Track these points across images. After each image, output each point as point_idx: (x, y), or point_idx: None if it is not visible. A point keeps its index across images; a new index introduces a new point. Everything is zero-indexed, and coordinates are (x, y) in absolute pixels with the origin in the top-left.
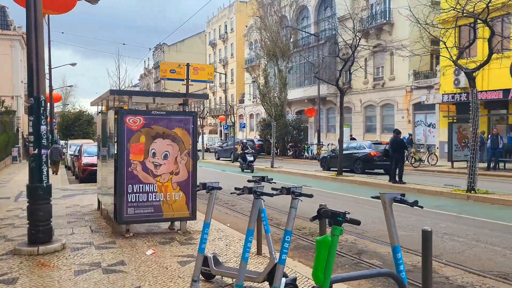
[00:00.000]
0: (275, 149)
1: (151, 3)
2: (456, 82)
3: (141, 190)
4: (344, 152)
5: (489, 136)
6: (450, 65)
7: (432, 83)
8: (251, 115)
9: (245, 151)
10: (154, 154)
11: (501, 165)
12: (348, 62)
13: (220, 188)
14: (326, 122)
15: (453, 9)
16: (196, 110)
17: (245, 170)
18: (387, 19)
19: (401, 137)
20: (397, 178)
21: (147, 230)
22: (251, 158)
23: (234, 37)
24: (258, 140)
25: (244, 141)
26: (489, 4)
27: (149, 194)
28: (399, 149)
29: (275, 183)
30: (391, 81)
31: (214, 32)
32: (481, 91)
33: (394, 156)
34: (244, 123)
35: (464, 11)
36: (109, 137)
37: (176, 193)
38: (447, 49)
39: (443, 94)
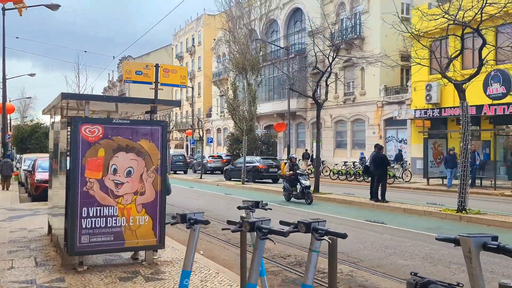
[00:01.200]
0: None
1: (115, 17)
2: (428, 97)
3: (98, 214)
4: (238, 165)
5: None
6: (421, 80)
7: (403, 99)
8: (218, 130)
9: (297, 171)
10: (115, 170)
11: (477, 181)
12: (325, 74)
13: (206, 222)
14: (295, 137)
15: (443, 17)
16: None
17: (294, 200)
18: (358, 34)
19: (383, 152)
20: (379, 196)
21: (105, 262)
22: (307, 183)
23: (202, 50)
24: (226, 155)
25: (294, 156)
26: (478, 12)
27: (108, 218)
28: (382, 165)
29: (270, 209)
30: (362, 96)
31: (181, 45)
32: (452, 107)
33: (376, 173)
34: (212, 138)
35: (455, 20)
36: (61, 151)
37: (141, 217)
38: (437, 60)
39: (415, 110)
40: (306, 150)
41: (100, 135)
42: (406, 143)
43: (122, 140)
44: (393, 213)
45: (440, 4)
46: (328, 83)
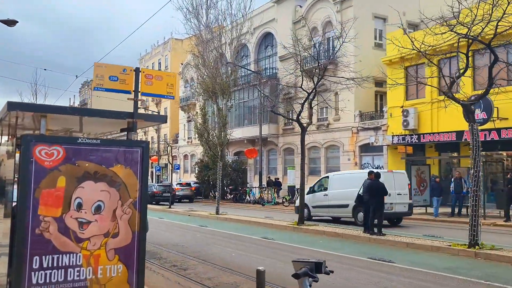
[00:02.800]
0: (213, 192)
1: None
2: (405, 123)
3: (55, 265)
4: None
5: (452, 179)
6: (397, 105)
7: (379, 124)
8: (185, 156)
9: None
10: (79, 205)
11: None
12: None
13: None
14: (267, 164)
15: (461, 35)
16: None
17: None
18: (332, 58)
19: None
20: (375, 229)
21: None
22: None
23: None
24: (195, 183)
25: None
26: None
27: (69, 269)
28: (379, 195)
29: (332, 272)
30: (336, 122)
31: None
32: (431, 133)
33: (372, 203)
34: (178, 165)
35: (467, 35)
36: (6, 180)
37: (113, 267)
38: (444, 78)
39: (392, 136)
40: (269, 177)
41: (61, 159)
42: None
43: (90, 165)
44: (395, 248)
45: (410, 31)
46: (312, 106)
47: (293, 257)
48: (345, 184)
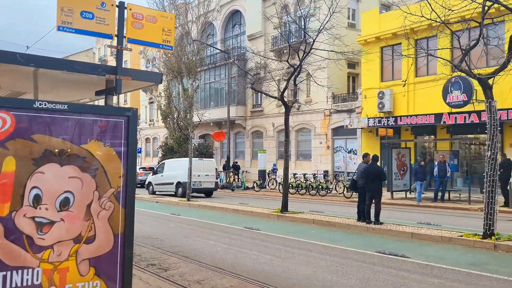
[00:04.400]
0: None
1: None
2: (380, 105)
3: (1, 287)
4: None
5: (436, 163)
6: (372, 87)
7: (353, 107)
8: (147, 139)
9: None
10: (37, 199)
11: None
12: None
13: None
14: (234, 147)
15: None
16: None
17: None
18: (303, 38)
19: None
20: (372, 218)
21: None
22: None
23: (129, 53)
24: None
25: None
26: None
27: None
28: (377, 180)
29: None
30: (307, 104)
31: (105, 48)
32: (408, 116)
33: (370, 189)
34: (140, 148)
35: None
36: None
37: (87, 285)
38: (462, 49)
39: (368, 118)
40: (226, 161)
41: (8, 132)
42: (356, 154)
43: (53, 141)
44: (399, 239)
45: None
46: (297, 83)
47: (289, 251)
48: (173, 168)
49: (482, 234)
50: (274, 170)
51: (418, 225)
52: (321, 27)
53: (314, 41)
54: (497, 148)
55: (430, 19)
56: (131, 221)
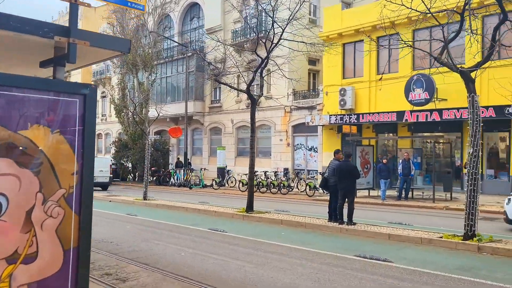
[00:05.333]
0: (133, 174)
1: None
2: (342, 102)
3: None
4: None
5: (401, 161)
6: (334, 84)
7: (314, 104)
8: (99, 135)
9: None
10: None
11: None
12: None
13: None
14: (191, 144)
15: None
16: None
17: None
18: (264, 33)
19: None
20: (345, 218)
21: None
22: None
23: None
24: (112, 164)
25: None
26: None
27: None
28: (350, 177)
29: None
30: (267, 100)
31: None
32: (370, 113)
33: (342, 187)
34: None
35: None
36: None
37: None
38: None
39: (330, 115)
40: (178, 158)
41: None
42: (317, 151)
43: None
44: (377, 241)
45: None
46: (263, 75)
47: (261, 256)
48: None
49: (463, 235)
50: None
51: (390, 225)
52: (291, 16)
53: (283, 31)
54: (479, 144)
55: (411, 8)
56: (87, 231)
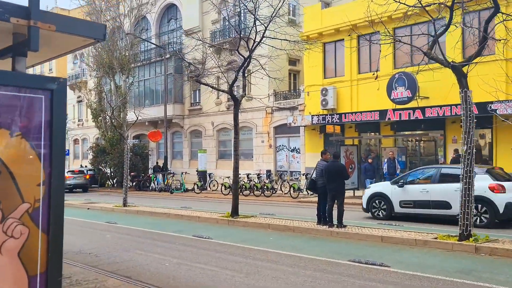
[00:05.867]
0: (111, 180)
1: None
2: (323, 102)
3: None
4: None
5: (386, 160)
6: (315, 84)
7: (296, 104)
8: (75, 141)
9: None
10: None
11: None
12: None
13: None
14: (171, 148)
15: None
16: None
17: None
18: (243, 33)
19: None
20: (334, 220)
21: None
22: None
23: None
24: (89, 170)
25: None
26: None
27: None
28: (339, 178)
29: None
30: (248, 102)
31: None
32: (353, 113)
33: (331, 189)
34: (68, 150)
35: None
36: None
37: None
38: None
39: (312, 116)
40: (157, 162)
41: None
42: (299, 152)
43: None
44: (369, 244)
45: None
46: (246, 75)
47: (251, 264)
48: None
49: (458, 235)
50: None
51: (380, 226)
52: (274, 13)
53: (266, 28)
54: (473, 141)
55: (399, 2)
56: (57, 253)
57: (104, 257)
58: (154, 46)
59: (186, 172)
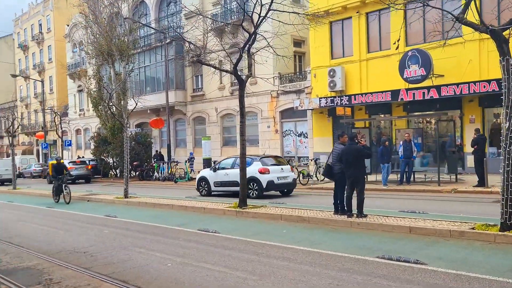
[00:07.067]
0: (114, 170)
1: None
2: (331, 84)
3: None
4: None
5: (401, 143)
6: (322, 65)
7: (302, 87)
8: (78, 131)
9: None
10: None
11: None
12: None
13: None
14: (174, 135)
15: None
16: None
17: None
18: (245, 15)
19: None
20: (353, 209)
21: None
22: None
23: (53, 38)
24: (91, 160)
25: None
26: None
27: None
28: (357, 162)
29: None
30: (252, 86)
31: (25, 32)
32: (363, 94)
33: (350, 175)
34: (70, 140)
35: None
36: None
37: None
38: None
39: (320, 98)
40: (157, 150)
41: None
42: (307, 137)
43: None
44: (395, 236)
45: None
46: (251, 54)
47: (264, 262)
48: None
49: (500, 225)
50: (191, 159)
51: (402, 214)
52: None
53: (272, 1)
54: None
55: None
56: None
57: (100, 257)
58: (154, 31)
59: (192, 158)
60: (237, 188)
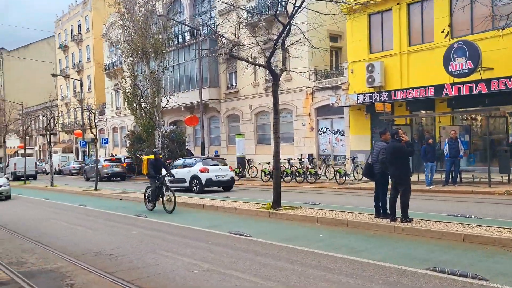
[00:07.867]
0: None
1: None
2: (370, 80)
3: None
4: None
5: (447, 140)
6: (359, 60)
7: (339, 83)
8: (114, 129)
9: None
10: None
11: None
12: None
13: None
14: (208, 133)
15: None
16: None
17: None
18: (280, 9)
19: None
20: (397, 213)
21: None
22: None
23: (91, 38)
24: (126, 158)
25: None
26: None
27: None
28: (399, 161)
29: None
30: (287, 82)
31: (65, 33)
32: (403, 89)
33: (393, 174)
34: (107, 138)
35: None
36: None
37: None
38: None
39: (357, 95)
40: (187, 148)
41: None
42: (344, 135)
43: None
44: (446, 245)
45: None
46: (285, 46)
47: (300, 272)
48: None
49: None
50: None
51: (451, 218)
52: None
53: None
54: None
55: None
56: None
57: (125, 260)
58: (188, 29)
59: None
60: (185, 184)
